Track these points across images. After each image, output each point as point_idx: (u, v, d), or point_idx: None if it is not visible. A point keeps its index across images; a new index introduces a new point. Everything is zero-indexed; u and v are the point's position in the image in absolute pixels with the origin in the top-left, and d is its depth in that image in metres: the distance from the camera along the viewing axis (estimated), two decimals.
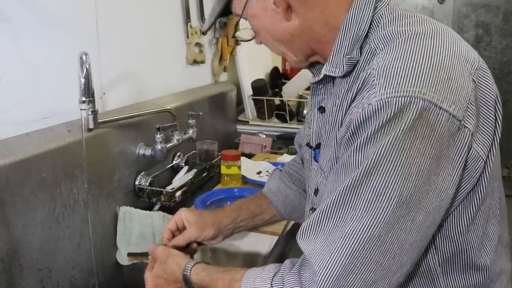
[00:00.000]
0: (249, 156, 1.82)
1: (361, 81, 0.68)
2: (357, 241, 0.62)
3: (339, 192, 0.64)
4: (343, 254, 0.63)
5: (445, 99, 0.62)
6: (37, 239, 0.97)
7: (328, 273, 0.63)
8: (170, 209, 1.33)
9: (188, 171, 1.50)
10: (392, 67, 0.64)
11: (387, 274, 0.64)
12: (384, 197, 0.61)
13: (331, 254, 0.64)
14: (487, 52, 3.42)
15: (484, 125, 0.68)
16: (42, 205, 0.97)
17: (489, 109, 0.69)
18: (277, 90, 2.24)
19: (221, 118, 2.00)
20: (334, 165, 0.75)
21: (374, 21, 0.74)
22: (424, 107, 0.60)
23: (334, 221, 0.65)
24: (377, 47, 0.71)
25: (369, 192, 0.62)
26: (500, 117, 0.70)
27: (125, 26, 1.31)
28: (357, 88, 0.69)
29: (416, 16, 0.74)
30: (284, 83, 2.39)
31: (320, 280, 0.64)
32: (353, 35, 0.74)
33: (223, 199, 1.38)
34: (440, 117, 0.61)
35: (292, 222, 1.25)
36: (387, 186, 0.61)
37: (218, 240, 1.04)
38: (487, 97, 0.69)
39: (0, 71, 0.90)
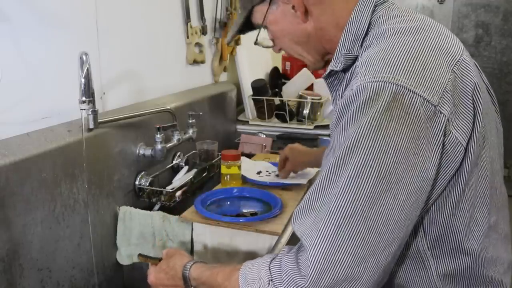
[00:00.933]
0: (249, 156, 1.82)
1: (351, 73, 0.80)
2: (341, 216, 0.66)
3: (325, 173, 0.69)
4: (329, 229, 0.66)
5: (419, 85, 0.68)
6: (37, 239, 0.97)
7: (318, 249, 0.66)
8: (170, 209, 1.33)
9: (188, 171, 1.50)
10: (374, 58, 0.72)
11: (375, 251, 0.67)
12: (364, 172, 0.66)
13: (318, 231, 0.67)
14: (487, 52, 3.42)
15: (463, 113, 0.72)
16: (42, 205, 0.97)
17: (467, 97, 0.73)
18: (277, 90, 2.24)
19: (221, 118, 2.00)
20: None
21: (373, 21, 0.82)
22: (397, 91, 0.67)
23: (321, 199, 0.70)
24: (371, 44, 0.79)
25: (350, 169, 0.67)
26: (481, 106, 0.74)
27: (125, 26, 1.31)
28: (347, 80, 0.80)
29: (410, 15, 0.81)
30: (284, 83, 2.39)
31: (311, 257, 0.67)
32: (353, 34, 0.83)
33: (223, 199, 1.37)
34: (414, 101, 0.67)
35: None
36: (366, 162, 0.66)
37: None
38: (466, 87, 0.74)
39: (0, 71, 0.90)
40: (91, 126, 1.04)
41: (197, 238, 1.25)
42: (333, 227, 0.66)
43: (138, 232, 1.22)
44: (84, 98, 1.00)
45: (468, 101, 0.73)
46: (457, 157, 0.72)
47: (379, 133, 0.66)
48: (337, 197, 0.67)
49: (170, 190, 1.36)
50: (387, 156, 0.66)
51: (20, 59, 0.96)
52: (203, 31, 1.79)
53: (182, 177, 1.46)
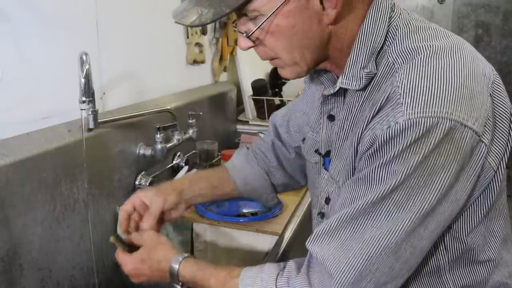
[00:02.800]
0: None
1: (384, 97, 0.68)
2: (374, 248, 0.65)
3: (361, 204, 0.66)
4: (360, 259, 0.66)
5: (470, 117, 0.64)
6: (37, 239, 0.97)
7: (344, 277, 0.66)
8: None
9: (188, 171, 1.50)
10: (418, 86, 0.65)
11: (397, 276, 0.68)
12: (406, 210, 0.65)
13: (348, 259, 0.66)
14: (487, 52, 3.42)
15: (499, 138, 0.71)
16: (42, 205, 0.97)
17: (504, 123, 0.71)
18: (277, 90, 2.24)
19: (221, 118, 2.00)
20: (351, 177, 0.75)
21: (390, 33, 0.74)
22: (451, 126, 0.63)
23: (353, 229, 0.67)
24: (395, 62, 0.71)
25: (392, 206, 0.65)
26: None
27: (125, 26, 1.31)
28: (380, 104, 0.68)
29: (431, 28, 0.75)
30: (284, 83, 2.38)
31: (337, 283, 0.66)
32: (369, 47, 0.73)
33: None
34: (465, 135, 0.64)
35: (293, 222, 1.25)
36: (410, 201, 0.64)
37: (180, 209, 1.00)
38: (503, 112, 0.71)
39: (0, 71, 0.90)
40: (91, 126, 1.04)
41: (197, 238, 1.25)
42: (364, 257, 0.66)
43: None
44: (84, 98, 1.00)
45: (505, 126, 0.71)
46: (486, 181, 0.71)
47: (427, 172, 0.64)
48: (373, 228, 0.66)
49: None
50: (431, 194, 0.64)
51: (20, 59, 0.96)
52: (203, 31, 1.79)
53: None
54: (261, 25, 0.71)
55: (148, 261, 0.86)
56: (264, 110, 2.11)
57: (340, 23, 0.74)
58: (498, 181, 0.73)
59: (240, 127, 2.16)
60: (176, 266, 0.82)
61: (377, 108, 0.69)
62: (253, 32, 0.73)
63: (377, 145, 0.66)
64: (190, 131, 1.50)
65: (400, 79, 0.67)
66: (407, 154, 0.63)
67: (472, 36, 3.43)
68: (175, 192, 0.99)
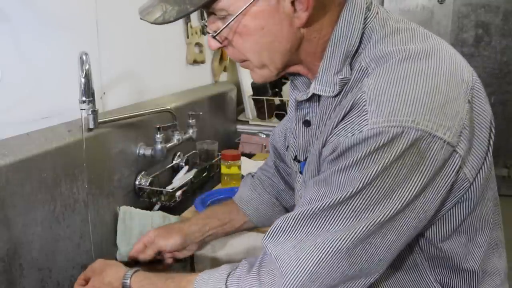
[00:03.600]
0: (249, 156, 1.82)
1: (351, 103, 0.65)
2: (325, 252, 0.63)
3: (319, 205, 0.64)
4: (311, 262, 0.64)
5: (440, 126, 0.60)
6: (37, 239, 0.97)
7: (294, 278, 0.64)
8: (170, 209, 1.33)
9: (188, 171, 1.50)
10: (385, 93, 0.61)
11: (348, 280, 0.65)
12: (363, 219, 0.62)
13: (299, 261, 0.64)
14: (487, 52, 3.42)
15: (477, 148, 0.67)
16: (42, 205, 0.97)
17: (484, 132, 0.67)
18: (277, 90, 2.24)
19: (221, 118, 2.00)
20: (314, 176, 0.74)
21: (365, 36, 0.70)
22: (417, 136, 0.59)
23: (308, 229, 0.65)
24: (368, 66, 0.67)
25: (349, 212, 0.63)
26: (493, 138, 0.69)
27: (125, 26, 1.31)
28: (346, 109, 0.65)
29: (409, 30, 0.70)
30: (284, 83, 2.38)
31: (286, 285, 0.65)
32: (343, 51, 0.70)
33: (223, 199, 1.38)
34: (433, 145, 0.60)
35: None
36: (368, 210, 0.62)
37: (191, 248, 1.03)
38: (483, 120, 0.67)
39: (0, 71, 0.90)
40: (91, 126, 1.04)
41: None
42: (315, 260, 0.63)
43: (138, 232, 1.22)
44: (84, 98, 1.00)
45: (484, 135, 0.67)
46: (460, 192, 0.68)
47: (387, 182, 0.60)
48: (327, 232, 0.63)
49: (170, 190, 1.36)
50: (391, 205, 0.61)
51: (20, 59, 0.96)
52: (203, 31, 1.79)
53: (182, 177, 1.46)
54: (227, 24, 0.69)
55: (101, 286, 0.85)
56: (264, 110, 2.11)
57: (312, 26, 0.70)
58: (475, 191, 0.69)
59: (240, 127, 2.17)
60: (127, 281, 0.82)
61: (343, 113, 0.66)
62: (220, 32, 0.70)
63: (339, 151, 0.64)
64: (190, 131, 1.50)
65: (368, 85, 0.63)
66: (367, 162, 0.60)
67: (472, 36, 3.42)
68: (180, 234, 1.01)
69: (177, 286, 0.76)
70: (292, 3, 0.67)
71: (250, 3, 0.67)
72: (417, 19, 3.39)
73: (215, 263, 1.24)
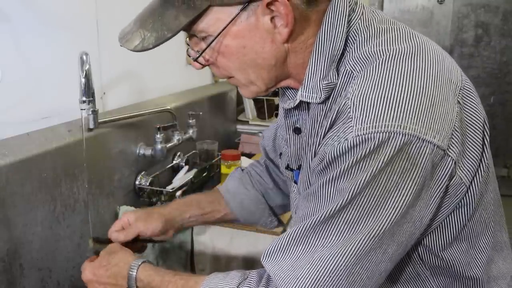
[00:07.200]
0: (249, 156, 1.82)
1: (336, 111, 0.63)
2: (323, 269, 0.61)
3: (312, 221, 0.62)
4: (309, 280, 0.61)
5: (429, 129, 0.58)
6: (38, 239, 0.97)
7: None
8: None
9: (188, 171, 1.50)
10: (369, 97, 0.59)
11: None
12: (358, 231, 0.59)
13: (297, 279, 0.62)
14: (487, 52, 3.42)
15: (471, 150, 0.64)
16: (42, 205, 0.97)
17: (477, 133, 0.65)
18: (277, 90, 2.24)
19: (221, 118, 2.00)
20: (306, 189, 0.72)
21: (350, 38, 0.68)
22: (406, 141, 0.57)
23: (303, 247, 0.63)
24: (353, 69, 0.65)
25: (343, 225, 0.60)
26: (488, 139, 0.66)
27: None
28: (332, 118, 0.64)
29: (395, 30, 0.68)
30: None
31: None
32: (327, 56, 0.68)
33: None
34: (423, 150, 0.58)
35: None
36: (362, 221, 0.59)
37: (169, 233, 1.00)
38: (475, 121, 0.65)
39: (0, 71, 0.90)
40: (91, 126, 1.04)
41: (197, 238, 1.25)
42: (313, 278, 0.61)
43: None
44: (84, 98, 1.00)
45: (478, 137, 0.65)
46: (457, 197, 0.66)
47: (377, 191, 0.58)
48: (324, 248, 0.61)
49: (170, 190, 1.36)
50: (384, 215, 0.59)
51: (21, 59, 0.96)
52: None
53: (182, 177, 1.46)
54: (208, 46, 0.68)
55: (107, 265, 0.84)
56: (264, 110, 2.12)
57: (297, 39, 0.69)
58: (473, 196, 0.66)
59: (240, 127, 2.17)
60: (134, 271, 0.81)
61: (330, 122, 0.64)
62: (202, 53, 0.70)
63: (326, 162, 0.62)
64: (190, 131, 1.50)
65: (352, 90, 0.61)
66: (355, 171, 0.58)
67: (472, 36, 3.43)
68: (160, 219, 0.97)
69: (186, 284, 0.75)
70: (272, 19, 0.66)
71: (229, 23, 0.66)
72: (417, 19, 3.40)
73: (215, 263, 1.24)
